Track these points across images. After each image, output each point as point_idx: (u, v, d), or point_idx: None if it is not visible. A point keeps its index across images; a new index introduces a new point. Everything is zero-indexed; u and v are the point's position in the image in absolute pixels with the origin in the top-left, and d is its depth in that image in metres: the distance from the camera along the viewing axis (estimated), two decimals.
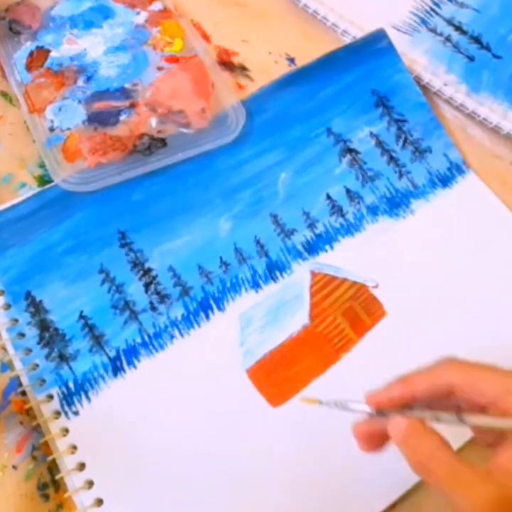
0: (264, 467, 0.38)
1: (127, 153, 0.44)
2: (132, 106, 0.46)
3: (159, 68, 0.48)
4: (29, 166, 0.45)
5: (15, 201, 0.43)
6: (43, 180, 0.45)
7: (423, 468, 0.29)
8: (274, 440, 0.39)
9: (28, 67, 0.47)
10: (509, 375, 0.29)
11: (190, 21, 0.51)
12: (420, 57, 0.52)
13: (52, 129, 0.45)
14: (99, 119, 0.45)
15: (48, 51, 0.47)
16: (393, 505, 0.38)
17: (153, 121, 0.45)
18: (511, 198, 0.48)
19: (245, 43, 0.52)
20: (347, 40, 0.52)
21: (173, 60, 0.48)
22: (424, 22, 0.54)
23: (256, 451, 0.39)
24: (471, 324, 0.43)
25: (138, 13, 0.50)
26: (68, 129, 0.45)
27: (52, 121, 0.45)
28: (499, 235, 0.47)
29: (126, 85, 0.47)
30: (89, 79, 0.47)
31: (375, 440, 0.32)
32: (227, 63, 0.51)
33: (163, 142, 0.45)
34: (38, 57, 0.47)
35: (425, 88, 0.51)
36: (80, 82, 0.46)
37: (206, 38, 0.52)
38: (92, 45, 0.48)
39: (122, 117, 0.45)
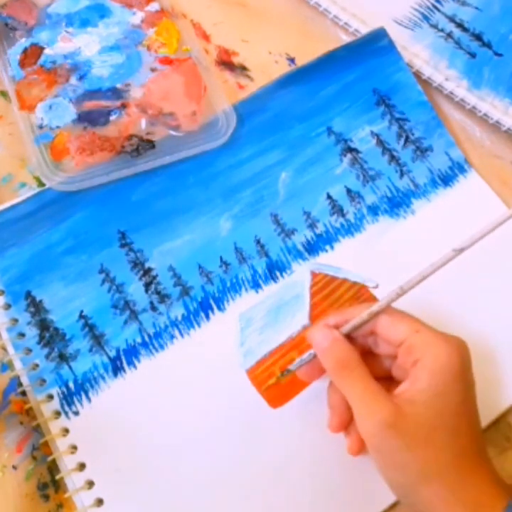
0: (263, 468, 0.38)
1: (115, 153, 0.44)
2: (123, 106, 0.46)
3: (152, 69, 0.48)
4: (29, 166, 0.45)
5: (15, 201, 0.43)
6: None
7: (339, 374, 0.34)
8: (274, 441, 0.39)
9: (22, 64, 0.47)
10: (418, 320, 0.35)
11: (187, 22, 0.51)
12: (421, 51, 0.52)
13: (41, 127, 0.45)
14: (89, 119, 0.45)
15: (42, 48, 0.47)
16: (393, 505, 0.38)
17: (143, 123, 0.45)
18: (511, 197, 0.48)
19: (245, 43, 0.52)
20: (347, 38, 0.52)
21: (166, 61, 0.48)
22: (425, 18, 0.54)
23: (255, 452, 0.39)
24: (472, 323, 0.43)
25: (134, 13, 0.50)
26: (57, 127, 0.45)
27: (42, 118, 0.45)
28: (499, 235, 0.46)
29: (118, 85, 0.47)
30: (81, 78, 0.47)
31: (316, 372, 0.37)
32: (227, 63, 0.51)
33: (151, 144, 0.45)
34: (31, 54, 0.47)
35: (426, 83, 0.51)
36: (73, 81, 0.46)
37: (206, 38, 0.52)
38: (86, 44, 0.48)
39: (112, 117, 0.45)
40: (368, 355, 0.36)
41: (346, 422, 0.37)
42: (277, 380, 0.39)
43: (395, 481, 0.33)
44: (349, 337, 0.35)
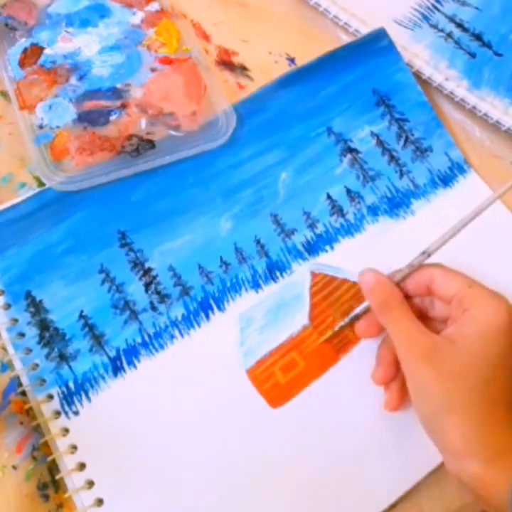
0: (263, 468, 0.38)
1: (115, 153, 0.44)
2: (123, 106, 0.46)
3: (152, 69, 0.48)
4: (29, 166, 0.45)
5: (15, 201, 0.43)
6: None
7: (383, 311, 0.37)
8: (274, 441, 0.39)
9: (22, 64, 0.47)
10: (471, 278, 0.37)
11: (187, 22, 0.51)
12: (421, 51, 0.52)
13: (41, 127, 0.45)
14: (89, 119, 0.45)
15: (42, 48, 0.47)
16: (393, 505, 0.38)
17: (143, 123, 0.45)
18: (511, 198, 0.48)
19: (245, 43, 0.52)
20: (347, 38, 0.52)
21: (166, 61, 0.48)
22: (425, 18, 0.54)
23: (255, 452, 0.39)
24: None
25: (134, 13, 0.49)
26: (57, 127, 0.45)
27: (42, 118, 0.45)
28: (499, 236, 0.46)
29: (118, 85, 0.47)
30: (81, 77, 0.47)
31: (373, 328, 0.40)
32: (227, 63, 0.51)
33: (151, 144, 0.45)
34: (31, 54, 0.47)
35: (426, 83, 0.51)
36: (73, 81, 0.46)
37: (206, 38, 0.52)
38: (86, 44, 0.48)
39: (112, 117, 0.45)
40: (423, 320, 0.38)
41: (389, 377, 0.39)
42: (333, 334, 0.41)
43: (422, 411, 0.35)
44: (408, 297, 0.39)
